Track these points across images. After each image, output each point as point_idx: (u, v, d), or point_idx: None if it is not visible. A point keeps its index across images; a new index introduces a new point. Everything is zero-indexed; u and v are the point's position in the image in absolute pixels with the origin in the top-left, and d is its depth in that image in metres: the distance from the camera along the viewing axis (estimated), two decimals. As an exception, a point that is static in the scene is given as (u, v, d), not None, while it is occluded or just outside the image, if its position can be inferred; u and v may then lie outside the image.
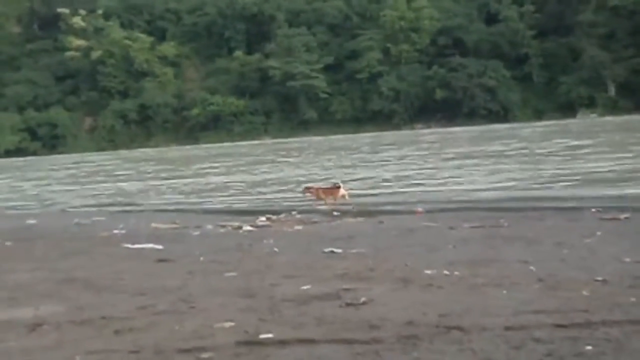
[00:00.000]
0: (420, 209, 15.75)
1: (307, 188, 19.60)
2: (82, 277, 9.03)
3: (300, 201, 19.60)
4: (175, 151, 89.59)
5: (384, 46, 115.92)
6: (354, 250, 10.09)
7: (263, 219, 15.48)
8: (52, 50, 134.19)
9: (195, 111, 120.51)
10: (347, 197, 18.70)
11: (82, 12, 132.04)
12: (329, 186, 19.45)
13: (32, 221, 18.76)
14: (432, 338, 5.44)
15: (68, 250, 11.93)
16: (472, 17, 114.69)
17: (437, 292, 7.09)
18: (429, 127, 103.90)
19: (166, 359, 5.26)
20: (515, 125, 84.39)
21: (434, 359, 5.01)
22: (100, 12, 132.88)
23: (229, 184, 29.09)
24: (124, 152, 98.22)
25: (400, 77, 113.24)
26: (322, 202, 18.64)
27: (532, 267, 8.17)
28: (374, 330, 5.70)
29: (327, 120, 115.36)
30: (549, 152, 33.87)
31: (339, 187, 18.84)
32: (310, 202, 18.97)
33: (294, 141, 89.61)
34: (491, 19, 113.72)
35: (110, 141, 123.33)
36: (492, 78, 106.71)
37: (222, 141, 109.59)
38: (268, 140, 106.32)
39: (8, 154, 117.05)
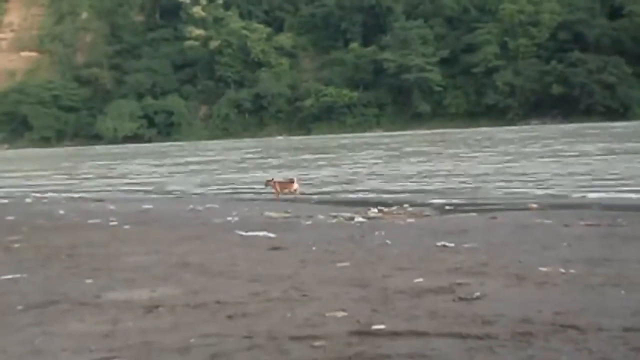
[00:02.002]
0: (534, 205, 15.48)
1: (269, 181, 21.22)
2: (197, 261, 9.17)
3: (413, 193, 19.56)
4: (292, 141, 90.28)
5: (502, 40, 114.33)
6: (466, 245, 9.96)
7: (375, 210, 15.44)
8: (172, 39, 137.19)
9: (308, 102, 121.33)
10: (298, 190, 20.45)
11: (203, 1, 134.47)
12: (285, 180, 21.32)
13: (148, 206, 19.18)
14: (547, 336, 5.32)
15: (183, 235, 12.13)
16: (594, 12, 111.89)
17: (552, 290, 6.93)
18: (544, 123, 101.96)
19: (279, 346, 5.29)
20: (635, 123, 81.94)
21: (549, 358, 4.89)
22: (220, 2, 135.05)
23: (342, 174, 29.16)
24: (249, 141, 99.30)
25: (516, 71, 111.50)
26: (284, 192, 20.42)
27: (652, 268, 7.92)
28: (487, 326, 5.61)
29: (440, 114, 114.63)
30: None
31: (292, 181, 20.77)
32: (420, 194, 18.98)
33: (410, 134, 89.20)
34: (614, 13, 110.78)
35: (223, 129, 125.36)
36: (613, 74, 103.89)
37: (333, 132, 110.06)
38: (380, 133, 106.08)
39: (126, 140, 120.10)
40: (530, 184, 21.11)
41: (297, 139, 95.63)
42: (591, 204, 15.72)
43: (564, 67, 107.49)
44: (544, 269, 7.93)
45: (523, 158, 33.28)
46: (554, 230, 11.45)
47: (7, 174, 43.92)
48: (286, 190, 20.42)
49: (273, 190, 20.62)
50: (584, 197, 17.69)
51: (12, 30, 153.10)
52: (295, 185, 20.52)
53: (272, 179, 21.36)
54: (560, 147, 41.72)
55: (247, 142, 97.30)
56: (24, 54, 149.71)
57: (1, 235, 12.59)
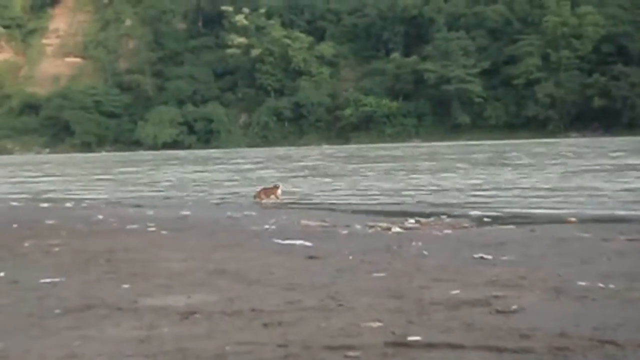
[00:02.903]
0: (573, 219, 15.34)
1: (258, 192, 22.53)
2: (233, 269, 9.19)
3: (450, 206, 19.47)
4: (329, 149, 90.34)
5: (544, 52, 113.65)
6: (504, 258, 9.89)
7: (412, 221, 15.38)
8: (214, 47, 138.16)
9: (348, 111, 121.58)
10: (279, 197, 21.93)
11: (246, 10, 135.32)
12: (271, 187, 22.75)
13: (186, 212, 19.27)
14: (585, 351, 5.25)
15: (220, 242, 12.17)
16: (638, 25, 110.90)
17: (590, 305, 6.85)
18: (584, 136, 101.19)
19: (313, 355, 5.28)
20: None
21: (587, 374, 4.85)
22: (263, 10, 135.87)
23: (379, 185, 29.11)
24: (313, 149, 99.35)
25: (558, 83, 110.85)
26: (269, 199, 21.85)
27: (695, 285, 7.79)
28: (524, 340, 5.56)
29: (480, 125, 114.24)
30: None
31: (277, 187, 22.32)
32: (460, 207, 18.90)
33: (451, 145, 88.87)
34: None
35: (263, 137, 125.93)
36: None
37: (372, 142, 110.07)
38: (419, 143, 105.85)
39: (165, 146, 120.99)
40: (570, 197, 20.92)
41: (371, 147, 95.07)
42: (632, 219, 15.54)
43: (607, 80, 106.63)
44: (582, 283, 7.84)
45: (565, 171, 32.96)
46: (593, 244, 11.33)
47: (48, 178, 44.36)
48: (272, 197, 21.88)
49: (258, 199, 22.03)
50: (623, 211, 17.48)
51: (57, 36, 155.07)
52: (279, 191, 22.10)
53: (261, 187, 23.16)
54: (604, 161, 41.28)
55: (303, 149, 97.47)
56: (68, 59, 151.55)
57: (41, 239, 12.72)
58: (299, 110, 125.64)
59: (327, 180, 32.84)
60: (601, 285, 7.74)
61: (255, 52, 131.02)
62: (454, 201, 20.78)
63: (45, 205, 23.58)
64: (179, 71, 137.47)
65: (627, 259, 9.75)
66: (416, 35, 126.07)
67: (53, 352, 5.55)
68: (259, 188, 23.35)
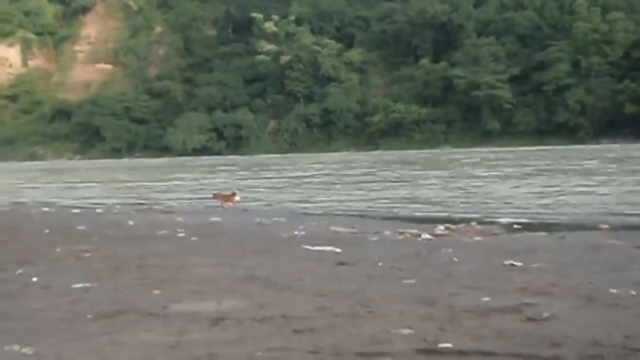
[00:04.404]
0: (605, 226, 15.22)
1: (215, 195, 24.78)
2: (263, 275, 9.19)
3: (479, 212, 19.39)
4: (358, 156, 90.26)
5: (574, 58, 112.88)
6: (535, 265, 9.83)
7: (442, 227, 15.34)
8: (244, 54, 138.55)
9: (377, 117, 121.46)
10: (239, 202, 23.79)
11: (275, 17, 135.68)
12: (228, 193, 24.67)
13: (216, 218, 19.34)
14: (618, 359, 5.22)
15: (249, 248, 12.19)
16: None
17: (623, 312, 6.79)
18: (615, 142, 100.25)
19: (344, 362, 5.29)
20: None
21: (620, 382, 4.81)
22: (292, 17, 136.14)
23: (406, 192, 29.04)
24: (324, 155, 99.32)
25: (588, 90, 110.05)
26: (228, 203, 23.55)
27: None
28: (556, 348, 5.52)
29: (510, 132, 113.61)
30: None
31: (234, 194, 24.21)
32: (488, 213, 18.82)
33: (484, 151, 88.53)
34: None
35: (292, 144, 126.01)
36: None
37: (401, 148, 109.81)
38: (448, 150, 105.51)
39: (195, 152, 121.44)
40: (600, 204, 20.77)
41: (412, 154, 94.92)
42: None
43: (637, 86, 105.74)
44: (614, 291, 7.78)
45: (596, 177, 32.71)
46: (626, 252, 11.23)
47: (81, 184, 44.70)
48: (229, 202, 23.64)
49: (219, 202, 23.85)
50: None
51: (88, 43, 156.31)
52: (237, 197, 23.96)
53: (219, 192, 25.18)
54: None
55: (341, 155, 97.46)
56: (99, 66, 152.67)
57: (73, 245, 12.80)
58: (327, 116, 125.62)
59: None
60: (633, 293, 7.68)
61: (284, 59, 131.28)
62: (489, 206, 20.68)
63: (77, 211, 23.76)
64: (209, 78, 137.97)
65: (660, 266, 9.66)
66: (445, 42, 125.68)
67: (85, 356, 5.59)
68: (217, 191, 25.84)
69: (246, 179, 43.62)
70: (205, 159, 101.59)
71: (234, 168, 64.16)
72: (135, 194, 33.06)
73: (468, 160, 60.09)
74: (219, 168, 64.84)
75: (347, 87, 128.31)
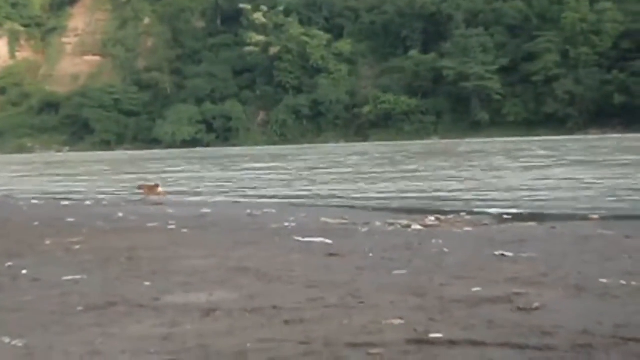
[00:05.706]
0: (595, 216, 15.27)
1: (140, 186, 25.30)
2: (254, 266, 9.18)
3: (468, 202, 19.43)
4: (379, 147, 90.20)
5: (563, 48, 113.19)
6: (525, 255, 9.85)
7: (432, 218, 15.36)
8: (232, 45, 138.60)
9: (366, 109, 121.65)
10: (163, 193, 24.32)
11: (264, 8, 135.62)
12: (152, 184, 25.27)
13: (206, 210, 19.31)
14: (608, 349, 5.22)
15: (240, 240, 12.17)
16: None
17: (612, 302, 6.81)
18: (604, 133, 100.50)
19: (335, 353, 5.28)
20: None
21: (610, 371, 4.83)
22: (281, 8, 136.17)
23: (396, 180, 29.07)
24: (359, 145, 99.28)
25: (577, 80, 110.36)
26: (151, 195, 23.98)
27: None
28: (546, 337, 5.53)
29: (499, 123, 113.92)
30: None
31: (157, 186, 24.76)
32: (478, 204, 18.87)
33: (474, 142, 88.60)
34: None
35: (281, 135, 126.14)
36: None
37: (391, 139, 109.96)
38: (437, 140, 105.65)
39: (184, 144, 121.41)
40: (591, 194, 20.82)
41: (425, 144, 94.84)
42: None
43: (626, 76, 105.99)
44: (604, 281, 7.80)
45: (585, 167, 32.83)
46: (615, 242, 11.26)
47: (70, 177, 44.58)
48: (154, 194, 24.11)
49: (143, 193, 24.42)
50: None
51: (76, 35, 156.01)
52: (160, 189, 24.49)
53: (144, 184, 25.66)
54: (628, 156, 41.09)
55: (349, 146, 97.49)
56: (87, 58, 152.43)
57: (62, 237, 12.77)
58: (317, 108, 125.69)
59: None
60: (623, 282, 7.70)
61: (273, 50, 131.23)
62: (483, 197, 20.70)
63: (66, 203, 23.69)
64: (198, 69, 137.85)
65: (649, 256, 9.69)
66: (435, 32, 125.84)
67: (76, 348, 5.57)
68: (142, 183, 26.49)
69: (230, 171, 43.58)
70: (197, 151, 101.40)
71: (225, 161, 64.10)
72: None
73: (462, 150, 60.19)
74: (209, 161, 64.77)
75: (336, 78, 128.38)
